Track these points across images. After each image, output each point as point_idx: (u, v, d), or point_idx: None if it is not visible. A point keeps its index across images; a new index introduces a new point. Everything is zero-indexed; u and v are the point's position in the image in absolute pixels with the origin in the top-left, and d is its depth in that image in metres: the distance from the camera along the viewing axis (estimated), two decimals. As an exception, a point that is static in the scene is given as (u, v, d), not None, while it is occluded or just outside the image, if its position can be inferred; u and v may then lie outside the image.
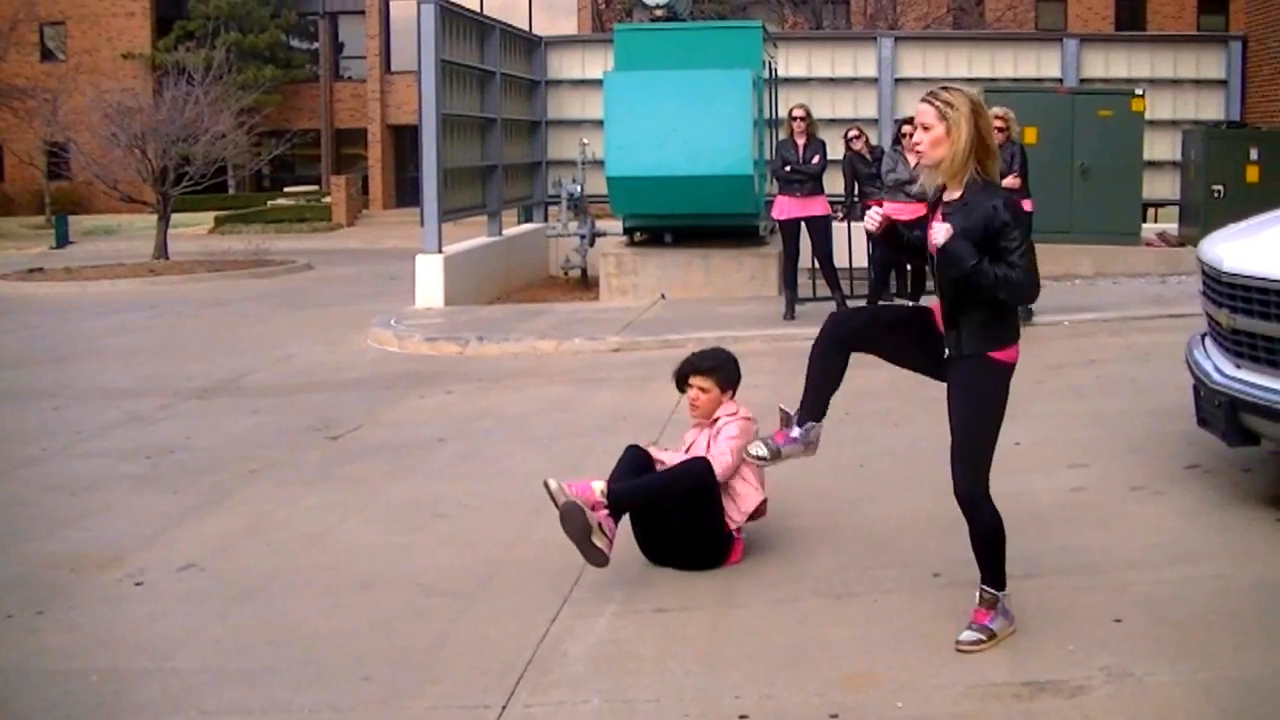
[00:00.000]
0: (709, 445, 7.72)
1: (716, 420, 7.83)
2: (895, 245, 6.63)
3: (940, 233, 6.16)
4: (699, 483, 7.45)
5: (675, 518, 7.52)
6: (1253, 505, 8.12)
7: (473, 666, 6.49)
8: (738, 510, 7.65)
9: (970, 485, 6.23)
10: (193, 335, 19.66)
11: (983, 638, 6.23)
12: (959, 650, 6.20)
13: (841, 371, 6.59)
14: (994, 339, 6.21)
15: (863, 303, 16.10)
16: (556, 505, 7.14)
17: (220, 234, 41.90)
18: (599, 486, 7.28)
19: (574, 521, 7.09)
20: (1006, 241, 6.09)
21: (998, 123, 15.30)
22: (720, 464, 7.59)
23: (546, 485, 7.23)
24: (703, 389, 7.84)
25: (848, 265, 17.26)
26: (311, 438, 11.78)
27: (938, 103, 6.21)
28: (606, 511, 7.21)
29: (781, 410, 6.80)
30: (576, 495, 7.15)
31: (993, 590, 6.32)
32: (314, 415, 12.67)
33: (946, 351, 6.31)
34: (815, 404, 6.61)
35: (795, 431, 6.63)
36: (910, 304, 6.45)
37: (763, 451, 6.66)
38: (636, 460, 7.70)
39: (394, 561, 8.20)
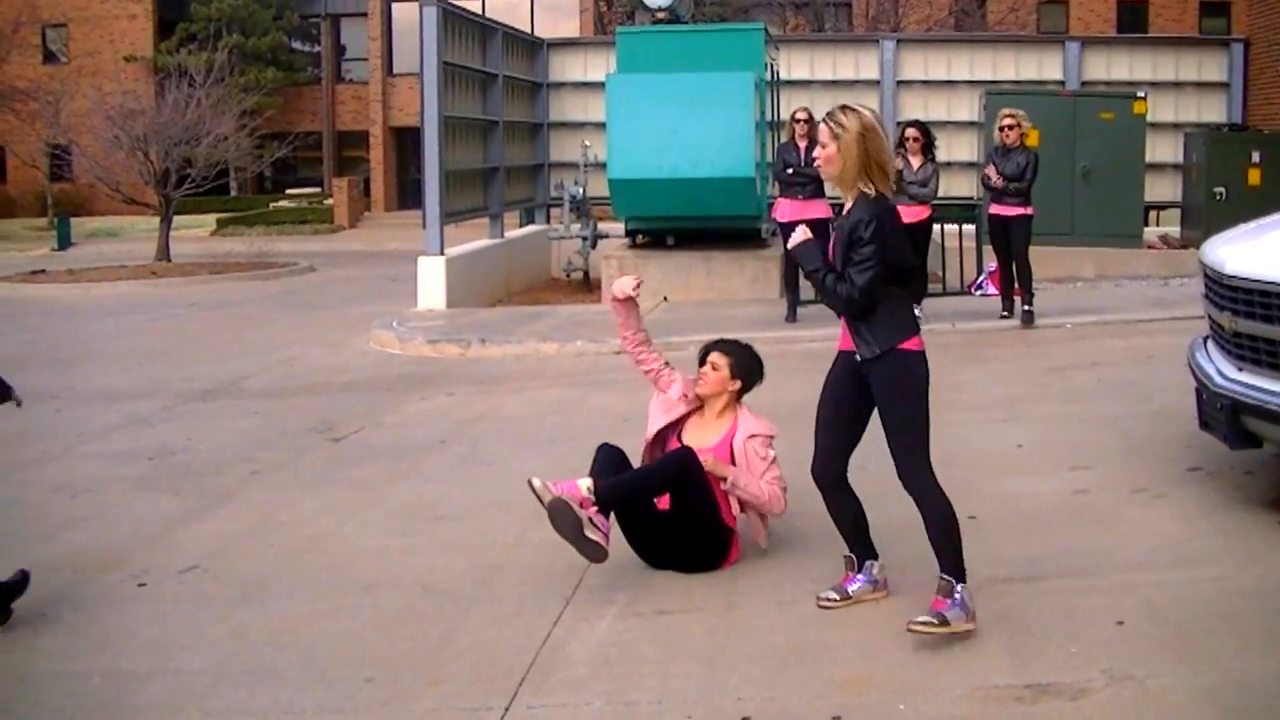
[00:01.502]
0: (731, 447, 7.75)
1: (733, 423, 7.84)
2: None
3: (796, 236, 6.66)
4: (683, 471, 7.45)
5: (663, 514, 7.55)
6: (1255, 508, 8.12)
7: (475, 668, 6.49)
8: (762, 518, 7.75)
9: (916, 475, 6.53)
10: (194, 337, 19.66)
11: (934, 621, 6.32)
12: (909, 630, 6.30)
13: (855, 506, 7.04)
14: (897, 331, 6.55)
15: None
16: (543, 503, 7.14)
17: (222, 236, 41.93)
18: (585, 484, 7.27)
19: (563, 518, 7.09)
20: (854, 253, 6.47)
21: (1007, 121, 15.26)
22: (776, 505, 7.71)
23: (531, 484, 7.23)
24: (715, 365, 7.85)
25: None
26: (313, 440, 11.79)
27: (831, 123, 6.56)
28: (596, 508, 7.21)
29: (845, 557, 7.12)
30: (563, 493, 7.16)
31: (948, 577, 6.43)
32: (315, 417, 12.67)
33: (859, 357, 6.62)
34: (858, 545, 7.08)
35: (860, 574, 7.05)
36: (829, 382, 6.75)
37: (834, 595, 7.03)
38: (612, 458, 7.71)
39: (395, 563, 8.21)
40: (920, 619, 6.31)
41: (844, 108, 6.62)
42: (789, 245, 6.65)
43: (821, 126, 6.59)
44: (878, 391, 6.58)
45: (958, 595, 6.38)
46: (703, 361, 7.97)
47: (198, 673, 6.65)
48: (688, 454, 7.51)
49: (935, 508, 6.52)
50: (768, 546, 7.76)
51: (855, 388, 6.68)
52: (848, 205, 6.58)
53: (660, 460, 7.61)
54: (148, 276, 28.47)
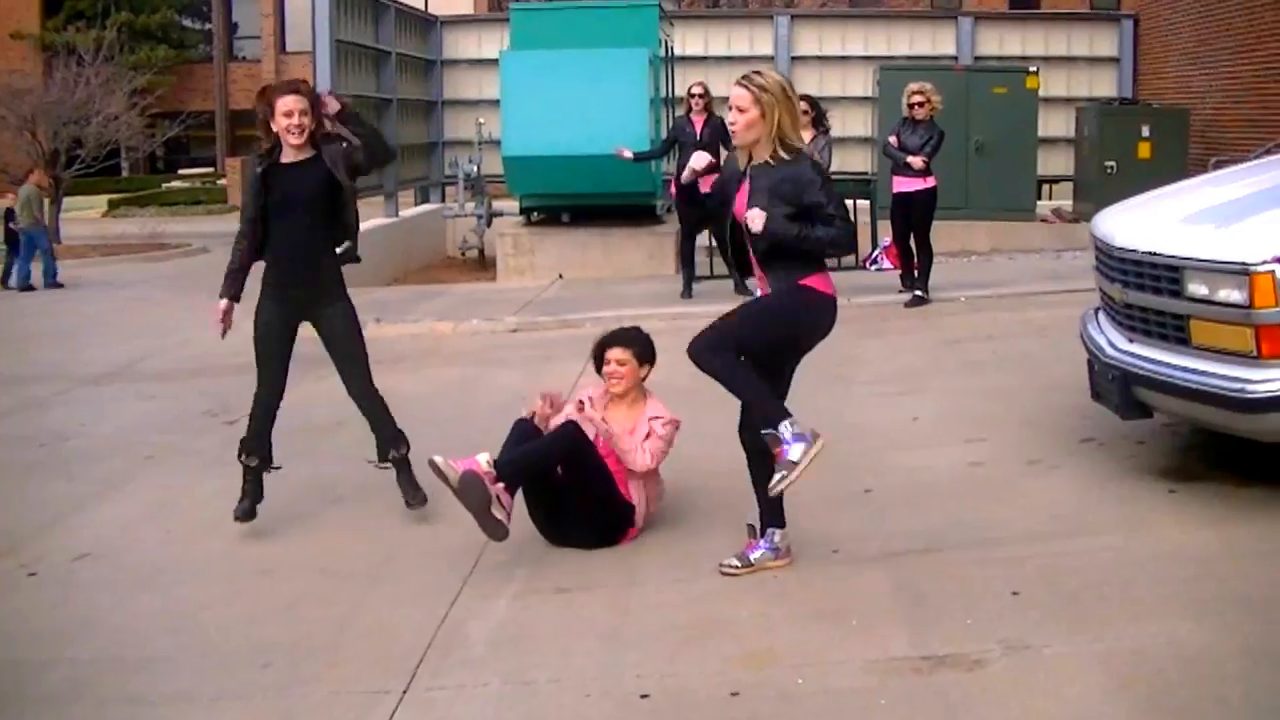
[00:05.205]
0: (633, 433, 7.75)
1: (644, 409, 7.84)
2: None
3: (756, 220, 6.52)
4: (572, 443, 7.50)
5: (564, 486, 7.57)
6: (1147, 477, 8.22)
7: (373, 651, 6.47)
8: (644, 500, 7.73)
9: (701, 345, 6.64)
10: (87, 320, 19.43)
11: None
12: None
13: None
14: (802, 270, 6.67)
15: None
16: (447, 481, 7.13)
17: (114, 217, 41.36)
18: (484, 458, 7.25)
19: (473, 493, 7.08)
20: (816, 199, 6.52)
21: (917, 98, 15.22)
22: (641, 463, 7.66)
23: (433, 463, 7.20)
24: (620, 361, 7.83)
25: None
26: (208, 423, 11.69)
27: (752, 87, 6.56)
28: (502, 485, 7.20)
29: (748, 525, 7.16)
30: (467, 469, 7.15)
31: (772, 431, 6.57)
32: (210, 400, 12.56)
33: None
34: (768, 511, 7.08)
35: (763, 541, 7.07)
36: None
37: (736, 563, 7.06)
38: (526, 434, 7.70)
39: (293, 547, 8.17)
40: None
41: (758, 72, 6.69)
42: (755, 230, 6.55)
43: (738, 91, 6.57)
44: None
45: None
46: (601, 363, 7.96)
47: (93, 661, 6.59)
48: (574, 428, 7.54)
49: (713, 365, 6.63)
50: (655, 510, 7.83)
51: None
52: (761, 163, 6.65)
53: (549, 435, 7.60)
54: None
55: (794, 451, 6.43)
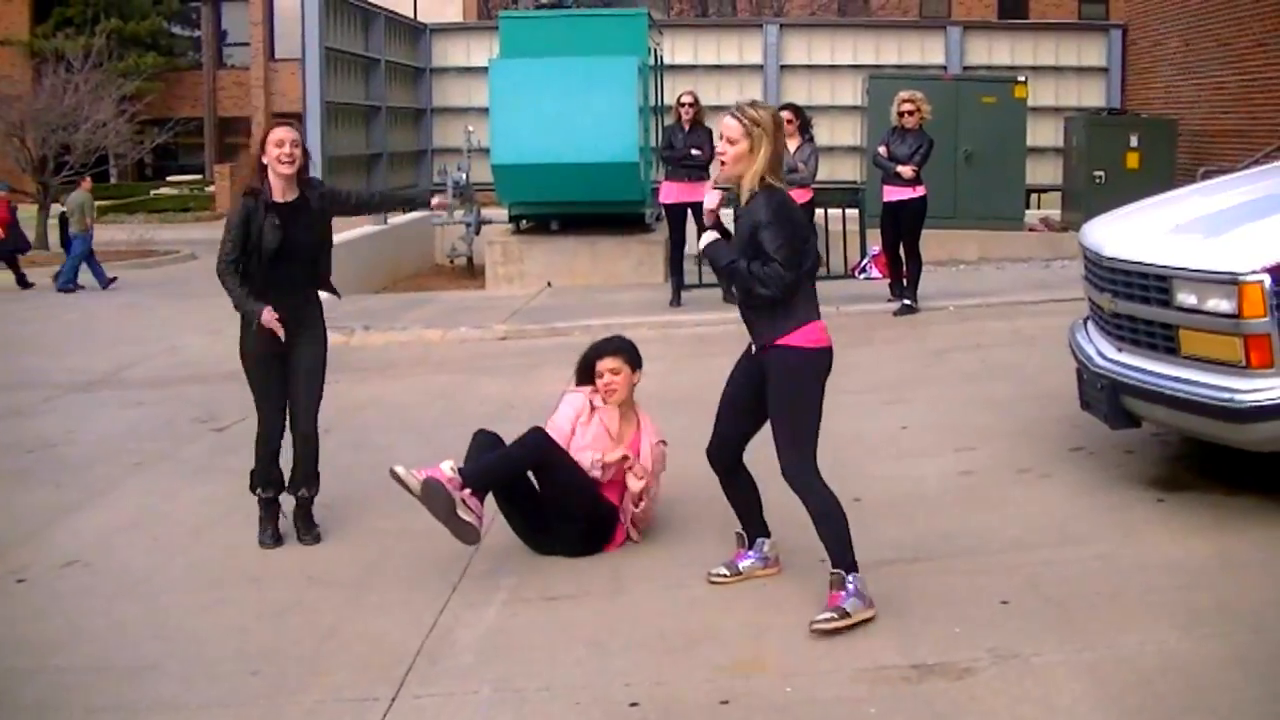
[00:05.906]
0: (637, 442, 7.76)
1: (636, 423, 7.84)
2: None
3: (704, 238, 6.61)
4: (537, 451, 7.48)
5: (542, 497, 7.59)
6: (1135, 486, 8.23)
7: (361, 659, 6.46)
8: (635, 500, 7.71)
9: (796, 468, 6.47)
10: (75, 327, 19.39)
11: (834, 615, 6.30)
12: (812, 630, 6.28)
13: (749, 489, 7.12)
14: (789, 328, 6.45)
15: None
16: (409, 489, 7.13)
17: (102, 224, 41.09)
18: (448, 465, 7.21)
19: (437, 498, 7.07)
20: (762, 238, 6.33)
21: (907, 106, 15.20)
22: (647, 516, 7.77)
23: (395, 473, 7.18)
24: (614, 370, 7.78)
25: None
26: (196, 430, 11.66)
27: (744, 120, 6.45)
28: (469, 491, 7.17)
29: (737, 534, 7.20)
30: (430, 476, 7.12)
31: (839, 570, 6.41)
32: (198, 407, 12.53)
33: (751, 347, 6.66)
34: (750, 524, 7.16)
35: (752, 551, 7.14)
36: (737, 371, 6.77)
37: (725, 571, 7.12)
38: (487, 443, 7.69)
39: (282, 554, 8.14)
40: (821, 617, 6.31)
41: (752, 104, 6.55)
42: (700, 247, 6.54)
43: (729, 123, 6.44)
44: (768, 380, 6.51)
45: (850, 586, 6.37)
46: (589, 377, 7.92)
47: (80, 669, 6.56)
48: (541, 434, 7.54)
49: (819, 503, 6.48)
50: (639, 540, 7.78)
51: (756, 376, 6.62)
52: (745, 199, 6.47)
53: (517, 442, 7.56)
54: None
55: (850, 605, 6.35)
